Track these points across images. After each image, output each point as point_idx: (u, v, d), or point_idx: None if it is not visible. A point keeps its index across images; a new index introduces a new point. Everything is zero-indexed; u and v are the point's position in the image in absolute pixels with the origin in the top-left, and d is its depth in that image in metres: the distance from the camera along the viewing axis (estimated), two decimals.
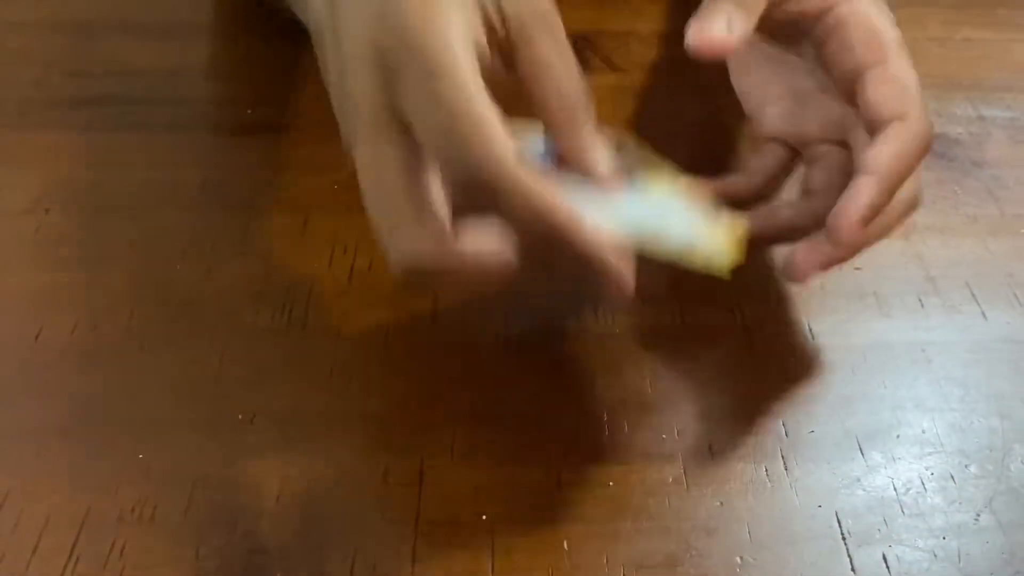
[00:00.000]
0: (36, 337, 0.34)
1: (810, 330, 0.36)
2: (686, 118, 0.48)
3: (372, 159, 0.26)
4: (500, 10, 0.26)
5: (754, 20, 0.32)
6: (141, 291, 0.36)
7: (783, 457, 0.32)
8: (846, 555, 0.29)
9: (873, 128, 0.32)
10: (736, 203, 0.34)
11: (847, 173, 0.33)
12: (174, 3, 0.54)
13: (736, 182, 0.37)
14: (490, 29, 0.26)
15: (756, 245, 0.32)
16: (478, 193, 0.24)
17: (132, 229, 0.39)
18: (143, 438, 0.31)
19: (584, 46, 0.52)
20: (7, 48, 0.49)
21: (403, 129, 0.25)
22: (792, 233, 0.34)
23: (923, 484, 0.31)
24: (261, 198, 0.41)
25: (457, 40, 0.25)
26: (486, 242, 0.25)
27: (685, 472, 0.31)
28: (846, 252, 0.32)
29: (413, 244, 0.25)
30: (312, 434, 0.32)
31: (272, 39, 0.51)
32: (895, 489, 0.31)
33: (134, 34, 0.51)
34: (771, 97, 0.38)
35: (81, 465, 0.30)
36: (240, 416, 0.32)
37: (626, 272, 0.26)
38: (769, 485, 0.31)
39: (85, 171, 0.42)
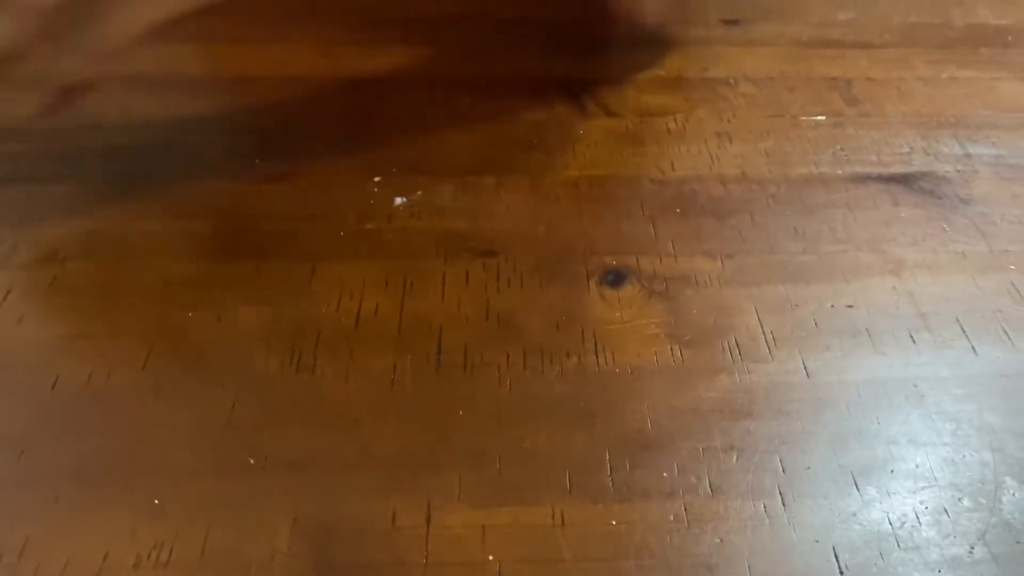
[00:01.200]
0: (53, 386, 0.35)
1: (805, 368, 0.37)
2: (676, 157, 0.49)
3: None
4: None
5: None
6: (155, 339, 0.37)
7: (781, 493, 0.33)
8: None
9: None
10: None
11: None
12: (182, 56, 0.56)
13: None
14: None
15: None
16: None
17: (146, 278, 0.40)
18: (158, 483, 0.32)
19: (582, 92, 0.54)
20: (21, 103, 0.51)
21: None
22: None
23: (918, 518, 0.32)
24: (270, 246, 0.42)
25: None
26: None
27: (686, 510, 0.32)
28: None
29: None
30: (322, 477, 0.32)
31: (279, 91, 0.52)
32: (890, 523, 0.32)
33: (144, 87, 0.53)
34: None
35: (99, 511, 0.31)
36: (252, 460, 0.33)
37: None
38: (768, 521, 0.32)
39: (99, 222, 0.43)
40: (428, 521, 0.31)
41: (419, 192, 0.46)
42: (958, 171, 0.48)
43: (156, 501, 0.31)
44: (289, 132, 0.49)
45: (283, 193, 0.45)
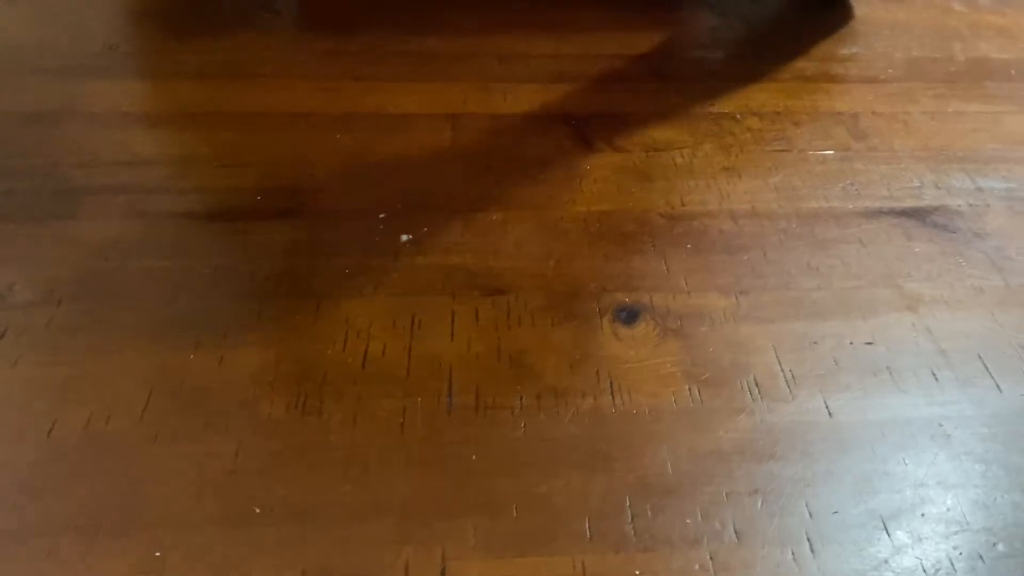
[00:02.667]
0: (48, 433, 0.34)
1: (827, 407, 0.36)
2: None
3: None
4: None
5: None
6: (155, 382, 0.36)
7: (809, 539, 0.31)
8: None
9: None
10: None
11: None
12: (180, 93, 0.55)
13: None
14: None
15: None
16: None
17: (144, 319, 0.39)
18: (160, 534, 0.31)
19: (586, 127, 0.53)
20: (17, 139, 0.50)
21: None
22: None
23: (952, 565, 0.31)
24: (272, 284, 0.41)
25: None
26: None
27: (711, 558, 0.31)
28: None
29: None
30: (330, 526, 0.31)
31: (281, 127, 0.52)
32: (924, 570, 0.30)
33: (143, 123, 0.52)
34: None
35: (97, 564, 0.30)
36: (258, 509, 0.31)
37: None
38: (796, 569, 0.30)
39: (95, 261, 0.42)
40: (443, 572, 0.30)
41: (425, 228, 0.45)
42: (970, 205, 0.48)
43: (157, 553, 0.30)
44: (292, 167, 0.49)
45: (285, 229, 0.44)
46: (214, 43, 0.60)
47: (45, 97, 0.54)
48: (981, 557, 0.31)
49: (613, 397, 0.36)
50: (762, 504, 0.32)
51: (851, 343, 0.39)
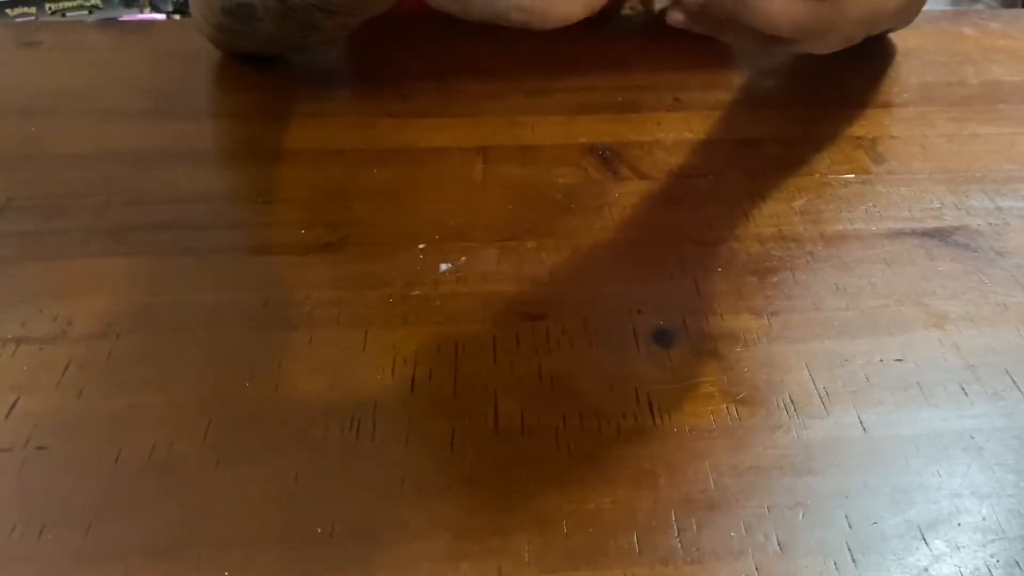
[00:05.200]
0: (116, 459, 0.35)
1: (861, 423, 0.37)
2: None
3: None
4: None
5: None
6: (213, 410, 0.38)
7: (850, 549, 0.32)
8: None
9: None
10: None
11: None
12: (221, 133, 0.58)
13: None
14: None
15: None
16: None
17: (200, 350, 0.41)
18: (227, 555, 0.32)
19: (612, 156, 0.55)
20: (68, 180, 0.52)
21: None
22: None
23: (990, 572, 0.32)
24: (321, 315, 0.42)
25: None
26: None
27: (757, 569, 0.32)
28: None
29: None
30: (390, 544, 0.32)
31: (319, 164, 0.54)
32: None
33: (187, 162, 0.54)
34: None
35: None
36: (319, 529, 0.33)
37: None
38: None
39: (149, 295, 0.44)
40: None
41: (463, 258, 0.46)
42: (990, 224, 0.49)
43: (226, 573, 0.31)
44: (332, 203, 0.50)
45: (330, 262, 0.46)
46: (252, 84, 0.62)
47: (92, 139, 0.56)
48: (1018, 564, 0.32)
49: (653, 417, 0.38)
50: (803, 516, 0.34)
51: (881, 360, 0.40)
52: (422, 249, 0.47)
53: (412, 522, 0.33)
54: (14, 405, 0.38)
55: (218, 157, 0.55)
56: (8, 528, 0.33)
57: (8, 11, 1.61)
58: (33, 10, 1.63)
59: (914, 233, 0.49)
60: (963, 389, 0.39)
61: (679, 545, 0.33)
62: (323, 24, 0.56)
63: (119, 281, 0.45)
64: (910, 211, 0.50)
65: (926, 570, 0.32)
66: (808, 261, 0.46)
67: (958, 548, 0.33)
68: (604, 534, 0.33)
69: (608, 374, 0.40)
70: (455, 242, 0.48)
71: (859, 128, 0.58)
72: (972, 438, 0.37)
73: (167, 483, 0.35)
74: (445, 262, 0.46)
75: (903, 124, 0.59)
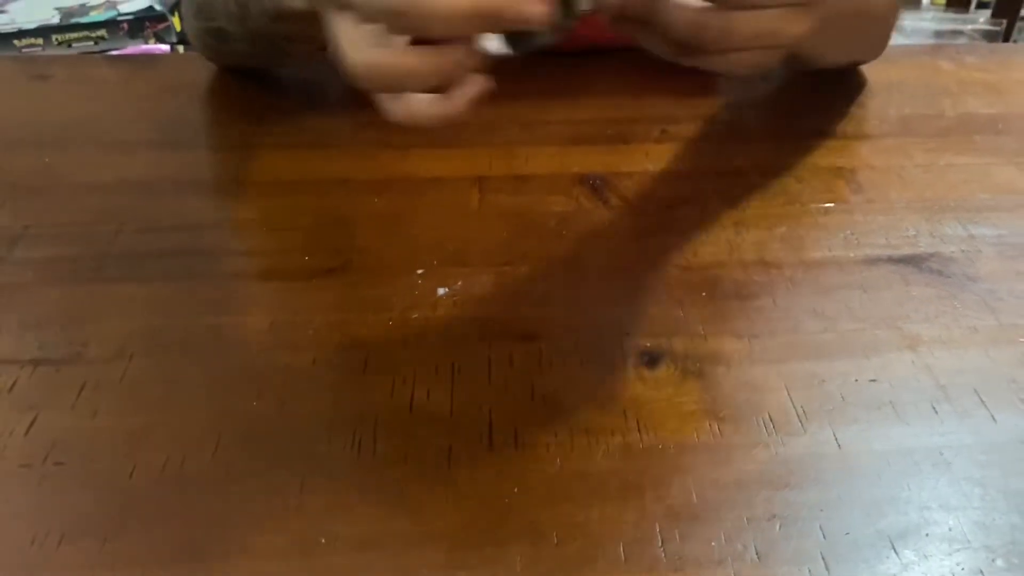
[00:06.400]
0: (130, 474, 0.37)
1: (836, 439, 0.39)
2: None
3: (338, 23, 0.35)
4: None
5: None
6: (222, 428, 0.40)
7: (823, 558, 0.34)
8: None
9: None
10: None
11: None
12: (227, 164, 0.60)
13: None
14: None
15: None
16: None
17: (210, 371, 0.43)
18: (238, 565, 0.34)
19: (603, 185, 0.57)
20: (83, 208, 0.54)
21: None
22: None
23: None
24: (324, 337, 0.45)
25: None
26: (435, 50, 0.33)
27: None
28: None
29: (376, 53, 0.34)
30: (390, 554, 0.34)
31: (323, 193, 0.56)
32: None
33: (196, 191, 0.56)
34: None
35: None
36: (323, 540, 0.35)
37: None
38: None
39: (161, 319, 0.46)
40: None
41: (459, 283, 0.48)
42: (963, 251, 0.52)
43: None
44: (334, 229, 0.53)
45: (333, 287, 0.48)
46: (257, 116, 0.64)
47: (103, 169, 0.58)
48: (982, 572, 0.34)
49: (640, 434, 0.40)
50: (780, 527, 0.36)
51: (856, 380, 0.43)
52: (421, 274, 0.49)
53: (410, 533, 0.35)
54: (33, 423, 0.40)
55: (225, 186, 0.57)
56: (28, 539, 0.35)
57: (15, 42, 1.64)
58: (40, 41, 1.66)
59: (890, 260, 0.51)
60: (934, 408, 0.41)
61: (663, 554, 0.35)
62: (288, 48, 0.61)
63: (132, 305, 0.47)
64: (887, 239, 0.53)
65: None
66: (788, 286, 0.49)
67: (926, 557, 0.35)
68: (592, 544, 0.35)
69: (597, 393, 0.42)
70: (452, 267, 0.50)
71: (839, 159, 0.61)
72: (941, 454, 0.39)
73: (179, 497, 0.37)
74: (443, 286, 0.48)
75: (882, 155, 0.61)
